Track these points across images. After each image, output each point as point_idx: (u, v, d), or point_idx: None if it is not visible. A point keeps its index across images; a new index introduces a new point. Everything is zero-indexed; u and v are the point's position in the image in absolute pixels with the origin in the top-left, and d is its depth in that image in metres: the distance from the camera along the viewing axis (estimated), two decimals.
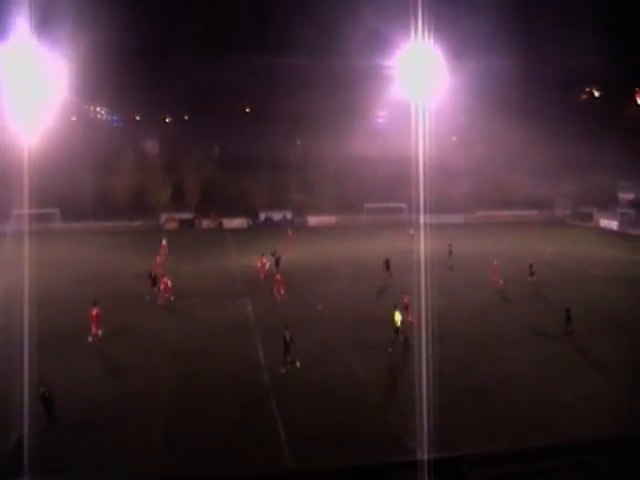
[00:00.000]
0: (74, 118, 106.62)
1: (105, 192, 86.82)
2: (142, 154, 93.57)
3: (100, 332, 35.24)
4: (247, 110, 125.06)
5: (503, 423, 25.02)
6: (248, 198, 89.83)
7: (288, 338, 30.02)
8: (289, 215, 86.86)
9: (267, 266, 50.32)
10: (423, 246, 52.70)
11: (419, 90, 64.33)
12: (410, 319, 35.38)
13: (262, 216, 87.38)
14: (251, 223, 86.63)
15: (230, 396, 27.84)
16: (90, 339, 34.86)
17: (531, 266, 48.43)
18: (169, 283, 43.68)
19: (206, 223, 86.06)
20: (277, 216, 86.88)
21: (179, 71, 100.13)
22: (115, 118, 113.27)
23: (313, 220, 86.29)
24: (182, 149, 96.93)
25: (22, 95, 65.05)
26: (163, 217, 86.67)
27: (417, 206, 59.05)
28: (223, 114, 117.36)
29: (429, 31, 62.51)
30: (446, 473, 19.43)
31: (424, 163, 56.26)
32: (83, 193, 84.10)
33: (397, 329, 32.95)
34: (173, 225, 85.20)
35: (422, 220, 59.19)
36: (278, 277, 44.88)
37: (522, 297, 44.65)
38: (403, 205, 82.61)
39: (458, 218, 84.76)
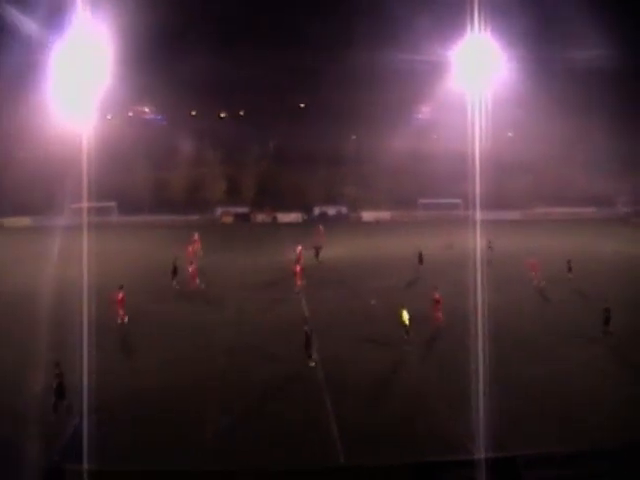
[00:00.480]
0: (130, 113, 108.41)
1: (161, 186, 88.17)
2: (197, 149, 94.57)
3: (123, 314, 37.24)
4: (301, 105, 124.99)
5: (552, 423, 24.57)
6: (303, 192, 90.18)
7: (309, 332, 30.74)
8: (343, 210, 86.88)
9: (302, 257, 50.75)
10: (473, 242, 51.92)
11: (474, 84, 63.68)
12: (439, 315, 36.01)
13: (317, 210, 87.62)
14: (306, 217, 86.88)
15: (281, 390, 28.05)
16: (119, 321, 36.85)
17: (569, 262, 47.60)
18: (196, 271, 46.04)
19: (261, 217, 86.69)
20: (332, 210, 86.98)
21: (235, 67, 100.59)
22: (159, 117, 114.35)
23: (367, 215, 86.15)
24: (237, 144, 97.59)
25: (76, 90, 66.32)
26: (219, 211, 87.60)
27: (473, 202, 58.47)
28: (278, 109, 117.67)
29: (485, 23, 61.79)
30: (500, 473, 19.21)
31: (480, 158, 55.68)
32: (140, 187, 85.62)
33: (406, 328, 33.16)
34: (228, 219, 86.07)
35: (477, 216, 58.45)
36: (298, 268, 45.86)
37: (560, 296, 43.65)
38: (458, 201, 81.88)
39: (515, 214, 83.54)
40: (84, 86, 66.41)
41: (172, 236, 70.26)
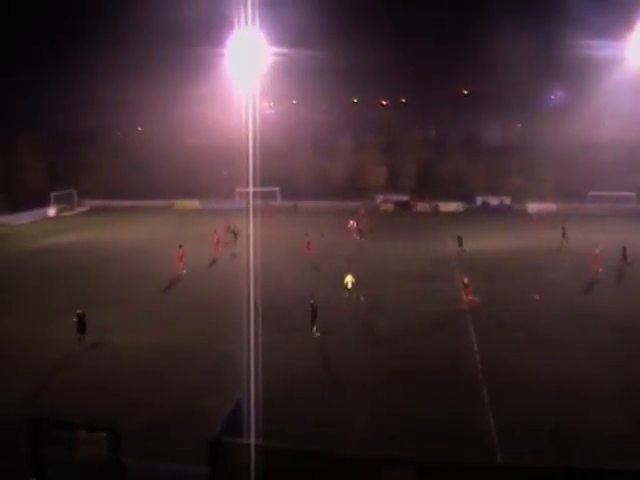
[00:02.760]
0: (294, 101, 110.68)
1: (324, 172, 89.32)
2: (359, 136, 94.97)
3: (182, 267, 46.06)
4: (464, 92, 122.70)
5: None
6: (465, 182, 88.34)
7: (315, 306, 32.77)
8: (507, 200, 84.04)
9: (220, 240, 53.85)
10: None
11: None
12: (470, 298, 38.07)
13: (478, 200, 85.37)
14: (467, 207, 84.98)
15: (436, 380, 27.48)
16: (182, 273, 45.76)
17: (624, 249, 48.11)
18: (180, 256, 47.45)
19: (421, 206, 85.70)
20: (494, 201, 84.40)
21: (397, 54, 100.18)
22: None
23: (532, 207, 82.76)
24: (399, 131, 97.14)
25: (241, 79, 68.46)
26: (379, 198, 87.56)
27: None
28: (440, 96, 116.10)
29: None
30: None
31: None
32: (303, 173, 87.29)
33: (348, 290, 38.26)
34: (388, 207, 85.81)
35: None
36: (308, 239, 52.11)
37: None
38: (632, 194, 77.37)
39: None
40: (248, 75, 68.46)
41: (331, 221, 71.15)
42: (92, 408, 24.21)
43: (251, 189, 63.79)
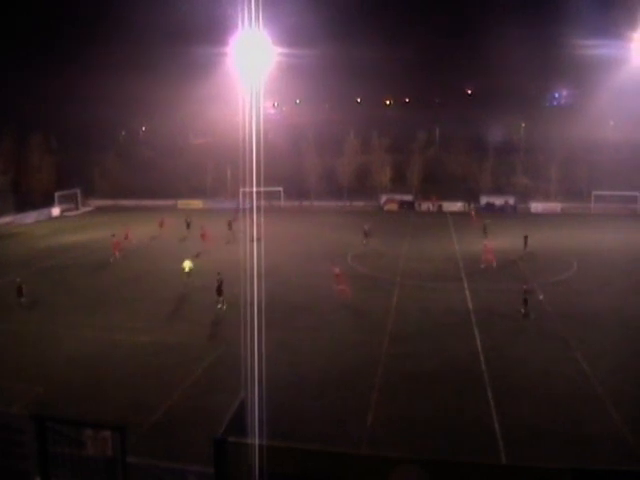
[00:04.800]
0: (298, 101, 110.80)
1: (327, 172, 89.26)
2: (363, 136, 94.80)
3: (117, 254, 50.61)
4: (469, 92, 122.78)
5: None
6: (470, 181, 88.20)
7: (220, 282, 36.73)
8: (511, 200, 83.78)
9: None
10: None
11: None
12: (343, 288, 39.46)
13: (483, 200, 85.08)
14: (469, 207, 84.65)
15: (444, 380, 27.36)
16: (112, 260, 50.18)
17: (526, 237, 52.34)
18: (118, 244, 52.06)
19: (426, 205, 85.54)
20: (499, 201, 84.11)
21: (401, 53, 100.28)
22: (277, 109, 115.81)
23: (537, 206, 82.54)
24: (403, 131, 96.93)
25: (245, 79, 68.58)
26: (383, 198, 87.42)
27: None
28: (444, 96, 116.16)
29: None
30: None
31: None
32: (306, 173, 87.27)
33: (187, 274, 41.57)
34: (393, 207, 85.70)
35: None
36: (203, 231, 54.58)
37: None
38: (637, 194, 77.07)
39: None
40: (253, 75, 68.43)
41: (334, 222, 71.08)
42: (96, 408, 24.20)
43: (255, 189, 63.85)
